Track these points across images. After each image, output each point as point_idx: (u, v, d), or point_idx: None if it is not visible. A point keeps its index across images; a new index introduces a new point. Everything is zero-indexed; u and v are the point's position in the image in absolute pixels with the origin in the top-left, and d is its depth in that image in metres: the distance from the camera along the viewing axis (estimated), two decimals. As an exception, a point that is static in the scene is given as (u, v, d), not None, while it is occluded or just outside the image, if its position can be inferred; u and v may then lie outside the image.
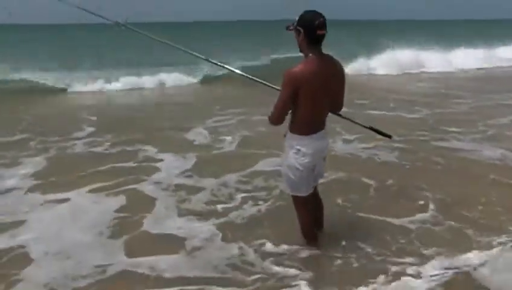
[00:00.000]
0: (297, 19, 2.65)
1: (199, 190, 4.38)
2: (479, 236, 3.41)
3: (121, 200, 4.16)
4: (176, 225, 3.67)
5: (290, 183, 2.92)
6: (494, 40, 19.60)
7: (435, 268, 2.99)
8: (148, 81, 11.96)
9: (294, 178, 2.85)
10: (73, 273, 2.97)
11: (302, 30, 2.61)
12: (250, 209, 3.92)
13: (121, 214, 3.87)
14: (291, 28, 2.69)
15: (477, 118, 7.52)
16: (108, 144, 6.04)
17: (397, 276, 2.91)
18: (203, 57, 3.48)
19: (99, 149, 5.83)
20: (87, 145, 5.99)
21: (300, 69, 2.59)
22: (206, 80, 12.49)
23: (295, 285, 2.83)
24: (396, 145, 5.64)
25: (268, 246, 3.27)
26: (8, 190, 4.41)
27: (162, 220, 3.76)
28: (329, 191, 4.06)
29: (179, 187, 4.46)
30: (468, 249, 3.19)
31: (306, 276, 2.91)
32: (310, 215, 3.13)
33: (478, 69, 15.78)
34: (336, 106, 2.92)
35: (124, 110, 9.15)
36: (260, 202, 4.05)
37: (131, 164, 5.19)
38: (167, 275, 2.97)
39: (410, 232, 3.51)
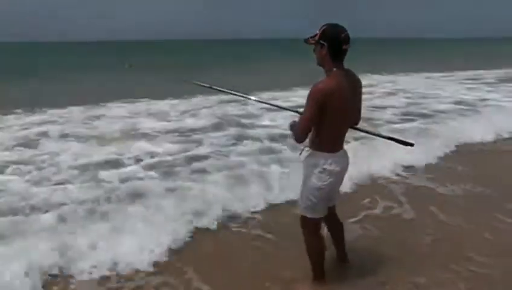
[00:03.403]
0: (318, 32, 2.57)
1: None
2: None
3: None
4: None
5: (308, 205, 2.78)
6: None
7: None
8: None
9: (314, 200, 2.74)
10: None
11: (326, 44, 2.52)
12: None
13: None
14: (311, 41, 2.60)
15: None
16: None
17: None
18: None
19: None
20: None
21: (326, 84, 2.51)
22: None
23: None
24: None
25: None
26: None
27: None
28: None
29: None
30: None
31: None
32: (321, 245, 2.93)
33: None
34: (355, 120, 2.86)
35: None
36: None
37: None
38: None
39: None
